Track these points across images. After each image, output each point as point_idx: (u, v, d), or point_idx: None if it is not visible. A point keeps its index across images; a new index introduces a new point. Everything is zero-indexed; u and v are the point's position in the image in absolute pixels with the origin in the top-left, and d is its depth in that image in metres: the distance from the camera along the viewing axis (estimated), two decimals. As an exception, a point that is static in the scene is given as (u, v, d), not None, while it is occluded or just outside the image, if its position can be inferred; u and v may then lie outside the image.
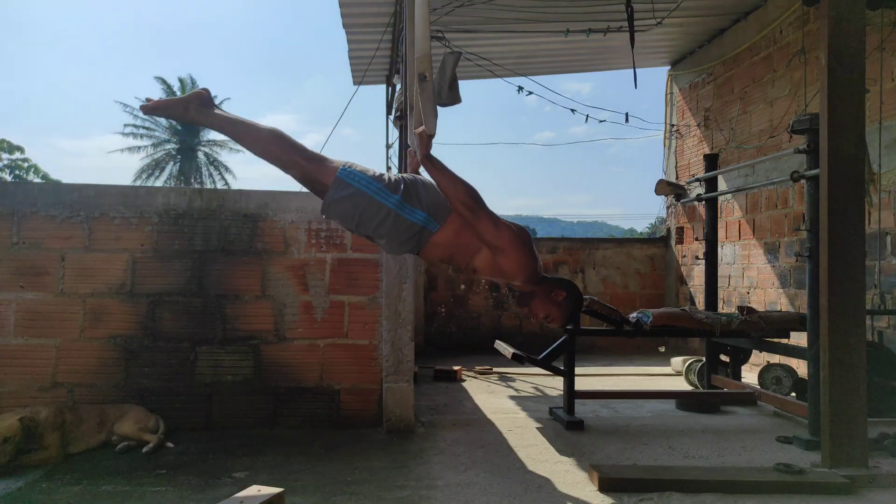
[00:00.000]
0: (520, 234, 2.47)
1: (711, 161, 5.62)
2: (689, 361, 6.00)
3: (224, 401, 4.12)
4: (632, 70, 6.12)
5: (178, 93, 37.43)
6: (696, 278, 7.95)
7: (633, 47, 5.68)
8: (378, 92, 8.87)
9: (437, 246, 2.50)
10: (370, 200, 2.42)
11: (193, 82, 38.25)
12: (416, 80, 2.46)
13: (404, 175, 2.57)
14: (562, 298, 2.54)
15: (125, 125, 37.34)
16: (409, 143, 2.58)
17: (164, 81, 37.43)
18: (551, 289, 2.55)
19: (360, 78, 7.86)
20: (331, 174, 2.45)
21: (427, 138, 2.44)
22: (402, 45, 5.00)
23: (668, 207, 8.99)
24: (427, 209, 2.46)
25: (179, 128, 37.57)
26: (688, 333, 4.93)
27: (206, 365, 4.12)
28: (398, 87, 6.84)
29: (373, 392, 4.23)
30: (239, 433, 4.03)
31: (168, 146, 37.94)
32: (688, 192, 6.88)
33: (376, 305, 4.25)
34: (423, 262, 8.11)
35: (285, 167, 2.47)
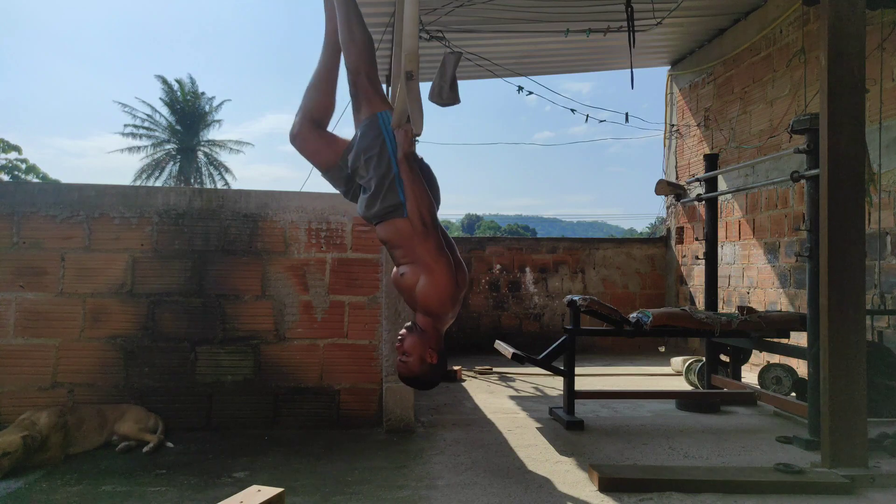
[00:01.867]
0: (457, 273, 2.40)
1: (711, 161, 5.62)
2: (689, 361, 6.00)
3: (224, 401, 4.12)
4: (633, 69, 6.12)
5: (178, 93, 37.52)
6: (696, 278, 7.95)
7: (632, 47, 5.68)
8: (378, 92, 8.86)
9: (395, 230, 2.46)
10: (383, 153, 2.44)
11: (193, 82, 38.32)
12: (403, 78, 2.44)
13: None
14: (429, 360, 2.43)
15: (125, 125, 37.41)
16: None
17: (164, 80, 37.46)
18: (434, 345, 2.44)
19: (359, 78, 7.84)
20: (377, 108, 2.50)
21: (412, 137, 2.44)
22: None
23: (668, 207, 8.99)
24: None
25: (178, 128, 37.61)
26: (688, 333, 4.93)
27: (206, 365, 4.12)
28: (398, 87, 6.83)
29: (373, 392, 4.23)
30: (239, 433, 4.03)
31: (168, 146, 37.95)
32: (688, 192, 6.88)
33: (376, 305, 4.25)
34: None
35: (349, 68, 2.51)
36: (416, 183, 2.38)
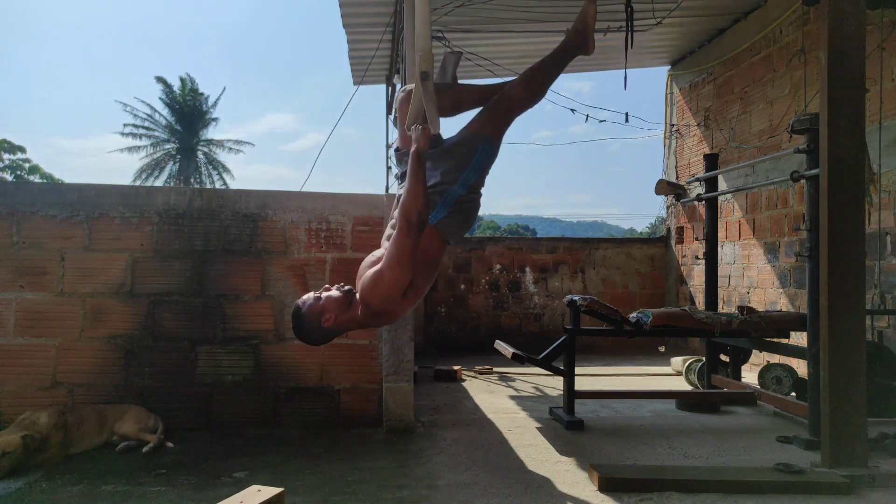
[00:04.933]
0: (411, 288, 2.40)
1: (711, 161, 5.62)
2: (689, 361, 6.00)
3: (224, 401, 4.12)
4: (633, 69, 6.12)
5: (178, 92, 37.52)
6: (696, 278, 7.95)
7: (629, 48, 5.67)
8: (378, 92, 8.89)
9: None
10: (458, 168, 2.56)
11: (192, 81, 38.31)
12: (419, 78, 2.43)
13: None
14: (324, 322, 2.45)
15: (125, 125, 37.38)
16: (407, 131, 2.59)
17: (164, 82, 37.43)
18: (343, 320, 2.46)
19: (360, 78, 7.85)
20: (492, 133, 2.64)
21: (430, 136, 2.45)
22: (403, 45, 5.00)
23: (668, 207, 8.99)
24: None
25: (178, 127, 37.60)
26: (688, 333, 4.93)
27: (206, 365, 4.12)
28: (398, 86, 6.84)
29: (373, 392, 4.23)
30: (239, 433, 4.03)
31: (168, 146, 37.94)
32: (688, 191, 6.88)
33: (376, 305, 4.24)
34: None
35: (512, 91, 2.67)
36: (418, 182, 2.39)
